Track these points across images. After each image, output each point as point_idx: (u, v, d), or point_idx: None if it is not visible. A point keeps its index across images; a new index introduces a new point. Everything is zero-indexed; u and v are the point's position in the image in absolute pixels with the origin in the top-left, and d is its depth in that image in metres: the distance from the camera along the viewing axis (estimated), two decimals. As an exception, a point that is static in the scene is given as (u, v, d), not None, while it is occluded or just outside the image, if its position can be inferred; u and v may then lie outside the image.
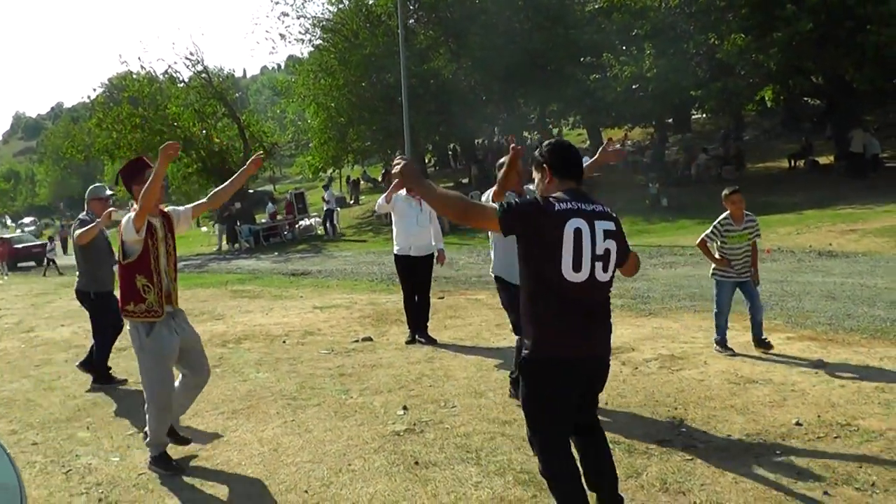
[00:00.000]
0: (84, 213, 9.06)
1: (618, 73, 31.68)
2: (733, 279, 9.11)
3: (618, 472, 5.23)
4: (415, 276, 10.71)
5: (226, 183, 6.76)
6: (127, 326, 6.38)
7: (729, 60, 28.59)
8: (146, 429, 6.26)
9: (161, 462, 6.24)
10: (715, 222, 9.21)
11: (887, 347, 8.74)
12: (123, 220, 5.99)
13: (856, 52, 26.55)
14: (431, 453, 6.19)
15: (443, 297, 14.32)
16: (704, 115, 46.11)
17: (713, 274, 9.33)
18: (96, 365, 9.35)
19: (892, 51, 25.05)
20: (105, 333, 9.35)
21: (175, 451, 6.50)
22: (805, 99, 40.22)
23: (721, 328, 9.08)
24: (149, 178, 5.90)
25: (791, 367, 7.98)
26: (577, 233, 4.14)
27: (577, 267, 4.14)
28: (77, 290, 9.43)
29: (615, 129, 48.32)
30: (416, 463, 5.99)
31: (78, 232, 8.77)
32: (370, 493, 5.45)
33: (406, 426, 6.91)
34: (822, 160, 32.01)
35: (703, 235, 9.31)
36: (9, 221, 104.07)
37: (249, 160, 6.70)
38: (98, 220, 8.84)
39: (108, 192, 9.42)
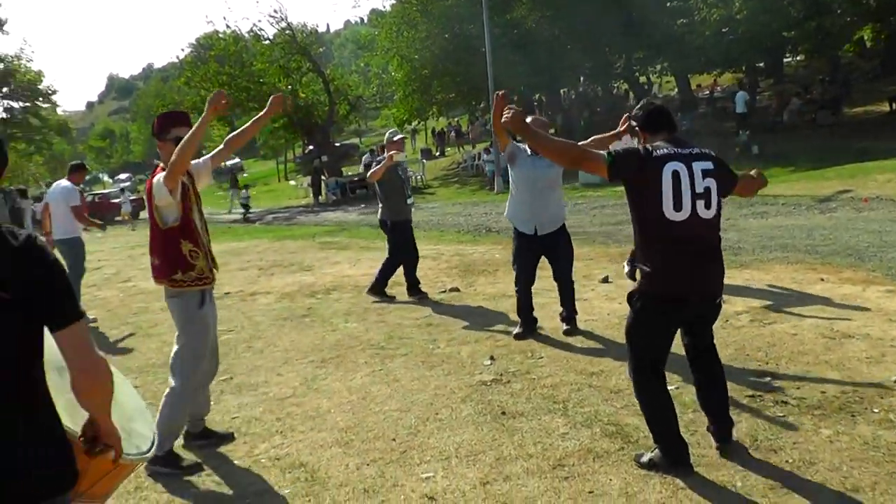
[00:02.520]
0: (369, 155, 9.52)
1: (706, 17, 30.83)
2: None
3: (706, 425, 5.17)
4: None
5: (245, 125, 6.42)
6: (164, 300, 5.70)
7: (825, -3, 27.46)
8: (158, 420, 5.28)
9: (169, 460, 5.42)
10: None
11: None
12: (154, 182, 5.35)
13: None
14: (518, 403, 6.19)
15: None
16: (798, 59, 44.81)
17: None
18: (378, 281, 10.87)
19: None
20: (395, 256, 10.82)
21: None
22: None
23: None
24: (171, 138, 5.44)
25: (890, 322, 7.64)
26: (675, 174, 4.52)
27: (677, 206, 4.52)
28: (379, 220, 10.99)
29: (703, 74, 47.40)
30: (503, 413, 5.99)
31: (369, 172, 10.77)
32: (457, 443, 5.47)
33: (493, 376, 6.92)
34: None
35: None
36: (106, 178, 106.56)
37: (268, 106, 6.15)
38: (383, 158, 10.27)
39: (400, 136, 10.93)
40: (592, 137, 7.26)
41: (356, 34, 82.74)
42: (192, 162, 5.70)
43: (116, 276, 15.70)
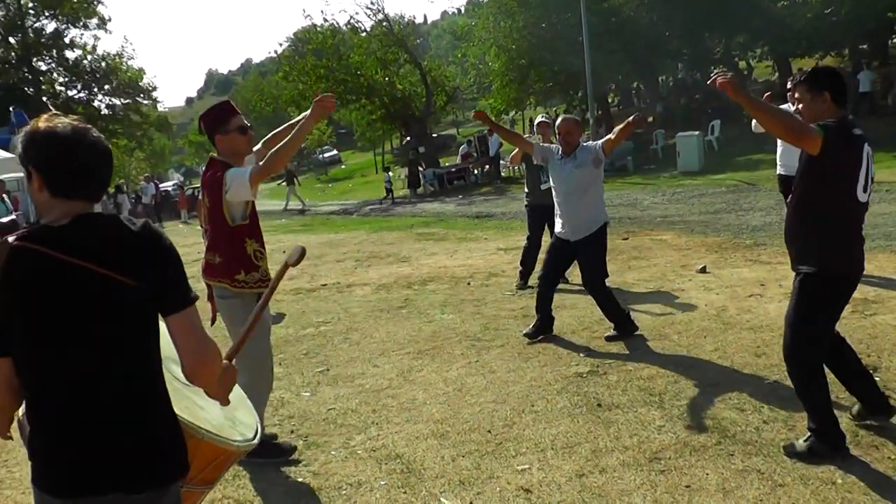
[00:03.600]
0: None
1: (808, -1, 30.04)
2: None
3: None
4: None
5: (287, 138, 5.22)
6: (222, 300, 5.40)
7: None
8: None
9: (266, 449, 5.31)
10: None
11: None
12: (229, 177, 5.08)
13: None
14: (614, 395, 6.18)
15: (627, 238, 14.14)
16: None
17: None
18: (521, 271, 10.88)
19: None
20: (529, 239, 10.82)
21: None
22: None
23: None
24: (234, 128, 5.25)
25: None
26: (868, 157, 4.61)
27: (865, 188, 4.60)
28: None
29: (805, 58, 46.24)
30: (599, 405, 5.99)
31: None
32: (553, 434, 5.49)
33: (589, 368, 6.92)
34: None
35: None
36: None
37: (311, 109, 5.34)
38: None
39: (541, 118, 11.32)
40: (611, 134, 7.73)
41: (453, 25, 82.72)
42: (247, 159, 5.49)
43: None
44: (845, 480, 4.48)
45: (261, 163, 5.15)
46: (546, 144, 8.20)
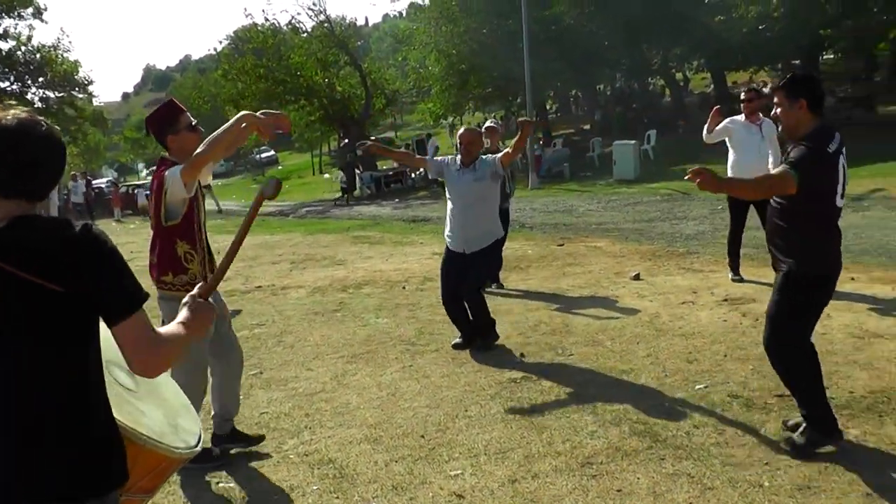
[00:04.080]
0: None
1: (743, 14, 30.56)
2: None
3: (736, 426, 5.21)
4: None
5: (224, 138, 5.01)
6: (155, 301, 5.12)
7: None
8: None
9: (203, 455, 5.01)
10: None
11: None
12: (167, 175, 4.99)
13: None
14: (547, 401, 6.23)
15: (562, 245, 14.23)
16: (834, 56, 44.38)
17: None
18: None
19: None
20: None
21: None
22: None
23: None
24: (184, 126, 5.17)
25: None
26: (842, 167, 4.82)
27: (842, 195, 4.86)
28: None
29: (740, 72, 46.96)
30: (532, 410, 6.04)
31: None
32: (486, 440, 5.51)
33: (522, 373, 6.95)
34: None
35: None
36: (142, 169, 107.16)
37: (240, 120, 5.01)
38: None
39: (490, 123, 11.26)
40: (508, 148, 7.90)
41: (394, 28, 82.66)
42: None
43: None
44: (772, 483, 4.57)
45: (190, 158, 5.00)
46: (439, 158, 8.10)
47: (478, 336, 7.91)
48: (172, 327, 2.61)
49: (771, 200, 5.06)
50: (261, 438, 5.78)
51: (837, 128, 4.89)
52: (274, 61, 41.09)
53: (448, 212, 7.96)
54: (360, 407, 6.42)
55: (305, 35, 43.53)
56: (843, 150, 4.84)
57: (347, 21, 49.89)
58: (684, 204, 19.18)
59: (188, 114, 5.28)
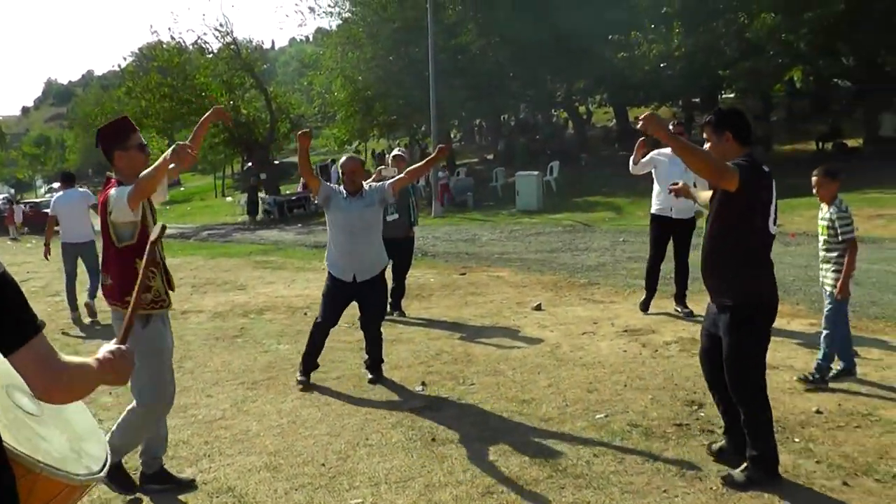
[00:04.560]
0: None
1: (646, 52, 31.31)
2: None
3: (635, 455, 5.29)
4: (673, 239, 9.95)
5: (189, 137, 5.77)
6: (118, 321, 5.19)
7: (758, 40, 28.06)
8: (112, 433, 5.09)
9: (118, 477, 5.15)
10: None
11: (912, 336, 8.60)
12: (112, 197, 4.94)
13: (888, 34, 26.01)
14: (448, 430, 6.22)
15: (464, 274, 14.31)
16: (733, 96, 45.70)
17: None
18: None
19: (925, 33, 24.61)
20: None
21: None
22: (835, 80, 39.66)
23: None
24: (134, 145, 5.10)
25: (813, 354, 7.73)
26: (775, 192, 4.93)
27: (774, 221, 4.95)
28: None
29: (642, 108, 47.95)
30: (433, 439, 6.02)
31: None
32: (387, 468, 5.48)
33: (424, 402, 6.95)
34: (851, 143, 31.49)
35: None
36: (41, 185, 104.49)
37: (209, 112, 5.88)
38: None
39: (396, 151, 11.17)
40: (408, 168, 8.00)
41: (301, 52, 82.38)
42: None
43: (45, 289, 15.41)
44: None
45: (133, 185, 4.90)
46: (329, 184, 7.83)
47: (376, 369, 7.85)
48: (84, 361, 2.54)
49: (707, 234, 5.11)
50: (192, 484, 5.42)
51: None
52: (179, 81, 40.61)
53: (331, 240, 7.74)
54: (260, 434, 6.33)
55: (211, 56, 43.13)
56: (773, 182, 4.98)
57: (254, 44, 49.71)
58: (586, 235, 19.47)
59: (140, 134, 5.22)
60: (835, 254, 6.91)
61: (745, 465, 5.04)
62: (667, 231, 9.83)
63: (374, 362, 7.88)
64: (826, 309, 7.02)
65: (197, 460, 5.85)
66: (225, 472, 5.58)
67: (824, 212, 7.02)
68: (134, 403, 5.16)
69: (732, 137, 4.97)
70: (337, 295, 7.69)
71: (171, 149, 4.90)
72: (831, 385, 6.88)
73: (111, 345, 2.72)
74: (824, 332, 7.03)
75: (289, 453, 5.87)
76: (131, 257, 5.01)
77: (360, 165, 7.87)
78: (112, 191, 4.97)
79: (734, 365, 5.03)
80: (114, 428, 5.15)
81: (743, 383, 5.03)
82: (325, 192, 7.67)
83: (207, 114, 5.91)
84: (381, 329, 7.96)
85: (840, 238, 6.86)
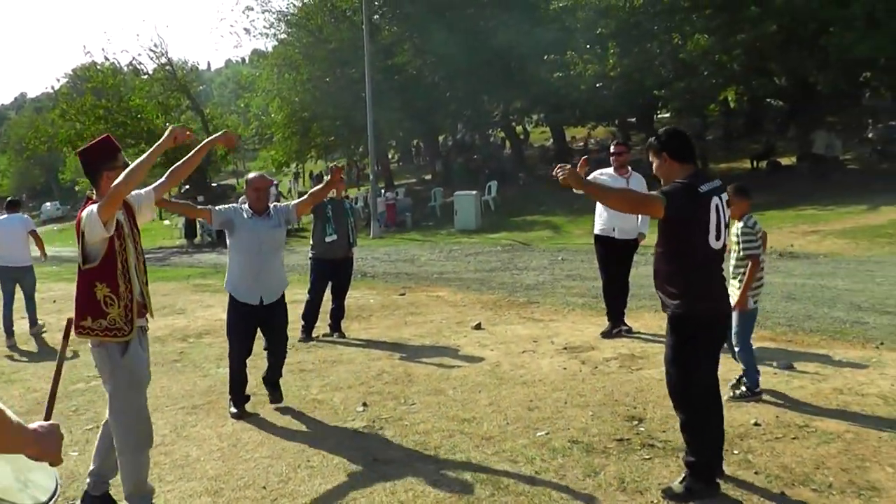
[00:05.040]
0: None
1: (581, 72, 31.64)
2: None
3: (576, 471, 5.32)
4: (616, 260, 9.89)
5: (186, 157, 5.79)
6: (88, 347, 5.13)
7: (692, 61, 28.59)
8: (121, 478, 5.13)
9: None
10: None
11: (846, 349, 8.80)
12: (84, 215, 4.80)
13: (819, 54, 26.63)
14: (390, 450, 6.20)
15: (404, 294, 14.30)
16: (668, 115, 46.34)
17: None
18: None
19: (854, 54, 25.10)
20: (309, 293, 10.75)
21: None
22: (768, 100, 40.46)
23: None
24: (121, 164, 4.96)
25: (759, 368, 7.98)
26: (717, 208, 5.00)
27: (717, 236, 5.02)
28: None
29: (578, 127, 48.47)
30: (375, 460, 5.99)
31: None
32: (328, 490, 5.45)
33: (365, 423, 6.91)
34: (785, 161, 32.12)
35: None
36: None
37: (219, 133, 5.98)
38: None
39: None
40: (310, 191, 7.72)
41: (237, 73, 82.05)
42: (134, 192, 5.17)
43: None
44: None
45: (106, 195, 4.78)
46: (222, 207, 7.60)
47: (276, 388, 7.67)
48: (15, 422, 2.51)
49: (656, 245, 5.28)
50: None
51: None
52: (114, 102, 40.15)
53: (235, 263, 7.38)
54: (200, 459, 6.25)
55: (146, 77, 42.79)
56: (722, 195, 5.10)
57: (189, 65, 49.36)
58: (524, 254, 19.58)
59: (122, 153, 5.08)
60: (742, 269, 7.05)
61: (683, 474, 5.13)
62: (610, 251, 9.83)
63: (276, 383, 7.68)
64: (737, 324, 7.09)
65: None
66: (166, 499, 5.49)
67: (735, 228, 7.11)
68: (118, 439, 5.08)
69: (670, 158, 5.13)
70: (244, 322, 7.39)
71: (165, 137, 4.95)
72: (768, 398, 7.00)
73: (48, 426, 2.68)
74: (737, 349, 7.18)
75: (230, 477, 5.80)
76: (92, 279, 4.90)
77: (269, 184, 7.73)
78: (87, 209, 4.83)
79: (670, 372, 5.24)
80: (122, 480, 5.10)
81: (678, 390, 5.21)
82: (224, 215, 7.40)
83: (214, 136, 5.98)
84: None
85: (742, 253, 7.03)
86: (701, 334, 5.13)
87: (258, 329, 7.52)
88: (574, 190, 5.19)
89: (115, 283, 4.92)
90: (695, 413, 5.17)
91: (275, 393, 7.66)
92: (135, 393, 5.04)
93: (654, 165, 5.29)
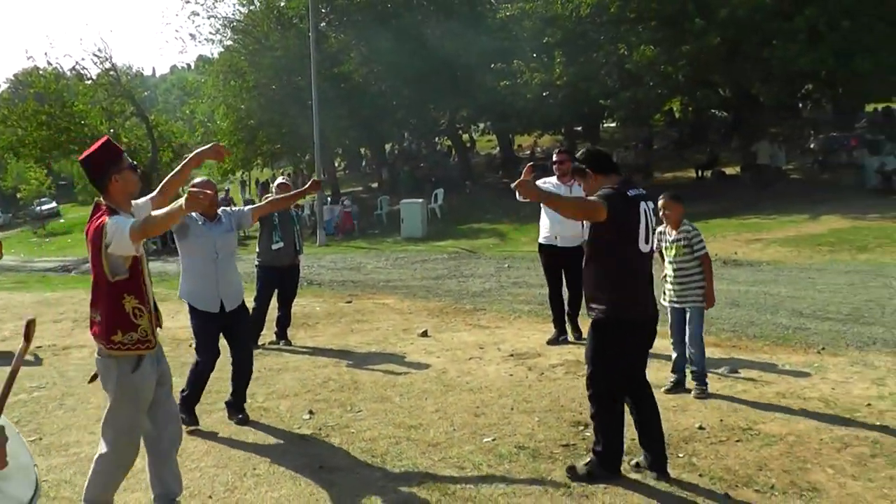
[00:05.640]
0: None
1: (528, 80, 31.76)
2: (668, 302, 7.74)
3: (523, 476, 5.36)
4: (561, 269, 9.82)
5: (175, 170, 5.61)
6: (96, 362, 4.95)
7: (638, 71, 28.83)
8: (86, 487, 4.99)
9: None
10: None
11: (789, 354, 8.96)
12: (109, 227, 4.58)
13: (762, 66, 26.99)
14: (337, 458, 6.18)
15: (350, 302, 14.25)
16: (614, 125, 46.71)
17: None
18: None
19: (796, 66, 25.57)
20: (256, 300, 10.45)
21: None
22: (712, 111, 40.98)
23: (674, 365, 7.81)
24: (126, 165, 4.86)
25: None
26: (645, 213, 5.27)
27: (646, 240, 5.28)
28: None
29: (525, 135, 48.76)
30: (321, 467, 5.97)
31: None
32: (275, 498, 5.41)
33: (311, 430, 6.88)
34: (729, 171, 32.57)
35: None
36: None
37: (207, 147, 5.62)
38: None
39: (280, 180, 10.67)
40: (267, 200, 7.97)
41: (182, 80, 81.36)
42: (135, 203, 5.06)
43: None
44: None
45: (142, 221, 4.66)
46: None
47: (243, 411, 7.38)
48: None
49: (586, 251, 5.52)
50: None
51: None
52: (57, 108, 39.35)
53: (191, 271, 7.17)
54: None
55: (90, 82, 42.07)
56: (649, 201, 5.40)
57: (134, 70, 48.85)
58: (471, 262, 19.63)
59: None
60: (695, 271, 7.44)
61: (589, 458, 5.50)
62: (555, 260, 9.82)
63: (241, 407, 7.38)
64: (698, 322, 7.50)
65: (80, 500, 5.64)
66: (108, 509, 5.41)
67: (673, 234, 7.52)
68: (99, 452, 4.93)
69: (595, 173, 5.43)
70: (209, 330, 7.16)
71: (184, 197, 4.56)
72: (713, 402, 7.12)
73: None
74: (694, 346, 7.49)
75: (174, 487, 5.73)
76: (121, 292, 4.73)
77: (215, 189, 7.49)
78: (108, 220, 4.62)
79: (588, 364, 5.54)
80: (86, 486, 4.96)
81: (593, 383, 5.49)
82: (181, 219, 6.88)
83: (203, 149, 5.65)
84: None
85: (696, 254, 7.40)
86: (628, 337, 5.39)
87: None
88: (520, 198, 5.46)
89: (142, 294, 4.82)
90: (605, 409, 5.46)
91: (239, 416, 7.29)
92: (134, 410, 4.88)
93: (583, 186, 5.62)
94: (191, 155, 5.67)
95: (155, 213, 4.80)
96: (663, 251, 7.58)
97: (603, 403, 5.46)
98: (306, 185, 7.62)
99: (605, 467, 5.40)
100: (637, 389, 5.58)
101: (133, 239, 4.53)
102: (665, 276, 7.63)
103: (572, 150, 9.87)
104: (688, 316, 7.47)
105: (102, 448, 4.89)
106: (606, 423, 5.45)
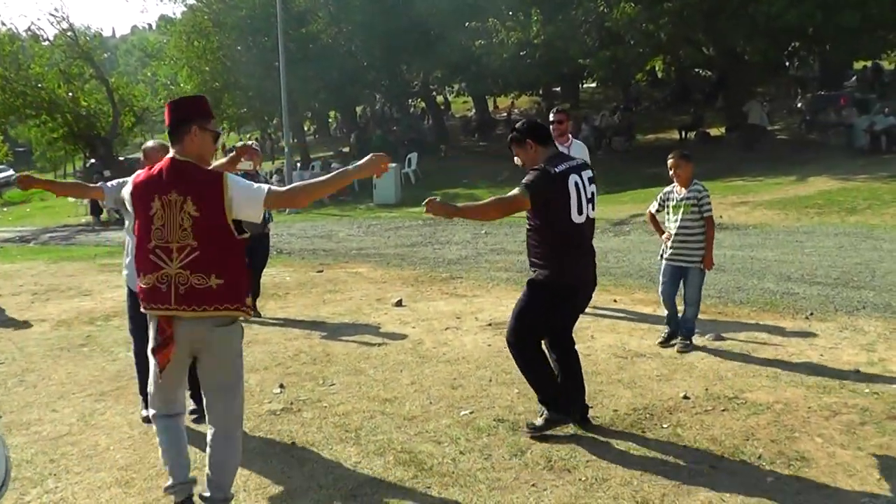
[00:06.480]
0: None
1: (504, 40, 31.20)
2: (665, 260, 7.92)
3: (502, 450, 5.24)
4: None
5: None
6: (221, 328, 4.51)
7: (618, 29, 28.27)
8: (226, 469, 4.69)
9: None
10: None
11: (776, 320, 8.90)
12: (232, 184, 4.32)
13: (746, 23, 26.47)
14: (309, 433, 6.04)
15: (322, 271, 14.05)
16: (594, 85, 46.45)
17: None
18: None
19: (782, 22, 25.08)
20: None
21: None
22: (696, 70, 40.78)
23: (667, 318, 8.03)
24: (212, 128, 4.49)
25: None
26: (576, 185, 5.46)
27: (579, 211, 5.48)
28: None
29: (501, 96, 48.42)
30: (293, 443, 5.85)
31: None
32: (245, 476, 5.25)
33: (283, 405, 6.73)
34: (713, 132, 32.42)
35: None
36: None
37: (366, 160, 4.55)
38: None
39: (252, 142, 9.43)
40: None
41: (144, 41, 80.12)
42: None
43: None
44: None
45: (285, 190, 4.51)
46: (114, 183, 6.58)
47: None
48: None
49: (526, 222, 5.74)
50: None
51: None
52: (12, 71, 38.63)
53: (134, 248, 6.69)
54: (109, 448, 5.96)
55: (47, 44, 41.38)
56: (582, 172, 5.57)
57: (93, 31, 47.88)
58: (447, 228, 19.42)
59: None
60: (698, 231, 7.57)
61: (542, 412, 5.72)
62: None
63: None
64: (697, 284, 7.75)
65: (42, 480, 5.43)
66: (73, 491, 5.21)
67: (683, 192, 7.65)
68: (231, 435, 4.69)
69: (535, 143, 5.68)
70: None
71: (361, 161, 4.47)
72: (698, 371, 7.09)
73: None
74: (691, 307, 7.73)
75: (141, 466, 5.56)
76: (244, 253, 4.51)
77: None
78: (232, 178, 4.36)
79: (513, 319, 5.75)
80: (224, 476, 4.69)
81: (515, 337, 5.72)
82: (117, 191, 6.19)
83: (360, 164, 4.67)
84: None
85: (704, 215, 7.56)
86: (561, 300, 5.64)
87: None
88: (427, 212, 5.46)
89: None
90: (529, 360, 5.73)
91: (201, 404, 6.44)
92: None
93: (520, 156, 5.84)
94: (347, 168, 4.73)
95: (307, 183, 4.65)
96: (669, 210, 7.75)
97: (526, 356, 5.72)
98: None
99: (555, 410, 5.63)
100: (564, 342, 5.90)
101: (271, 204, 4.38)
102: (668, 236, 7.82)
103: (568, 111, 9.58)
104: (688, 277, 7.69)
105: (233, 428, 4.68)
106: (536, 373, 5.73)
